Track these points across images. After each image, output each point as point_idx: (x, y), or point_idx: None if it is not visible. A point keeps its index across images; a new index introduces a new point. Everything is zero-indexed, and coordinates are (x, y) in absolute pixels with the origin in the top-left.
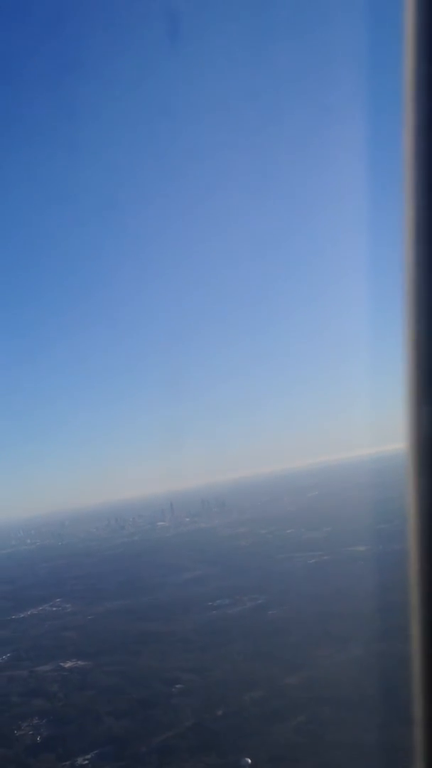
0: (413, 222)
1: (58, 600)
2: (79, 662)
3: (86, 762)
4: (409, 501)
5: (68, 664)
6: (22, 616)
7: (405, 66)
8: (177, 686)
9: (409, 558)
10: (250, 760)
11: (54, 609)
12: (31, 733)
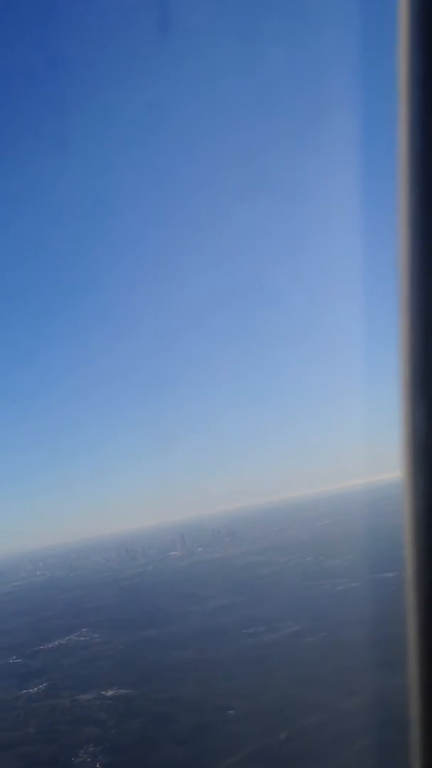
0: (407, 218)
1: (84, 630)
2: (120, 690)
3: None
4: (405, 500)
5: (110, 693)
6: (50, 646)
7: (399, 58)
8: (230, 712)
9: (404, 559)
10: None
11: (82, 639)
12: (89, 760)
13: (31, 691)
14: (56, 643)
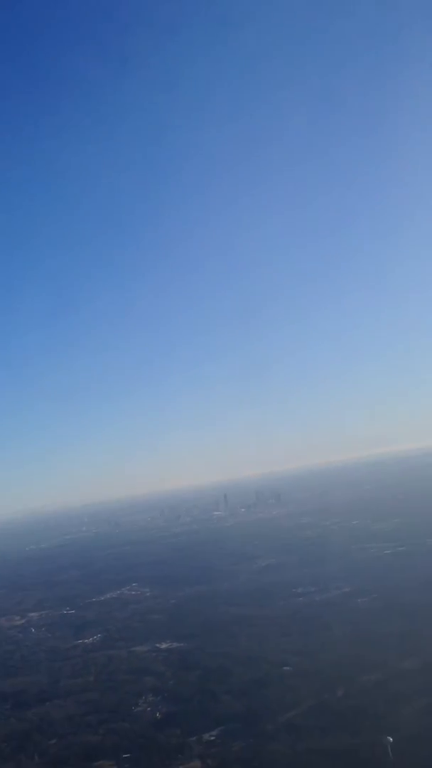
0: None
1: (134, 584)
2: (174, 644)
3: (213, 737)
4: None
5: (164, 645)
6: (102, 599)
7: None
8: (286, 668)
9: None
10: (391, 739)
11: (133, 593)
12: (149, 709)
13: (87, 641)
14: (108, 596)
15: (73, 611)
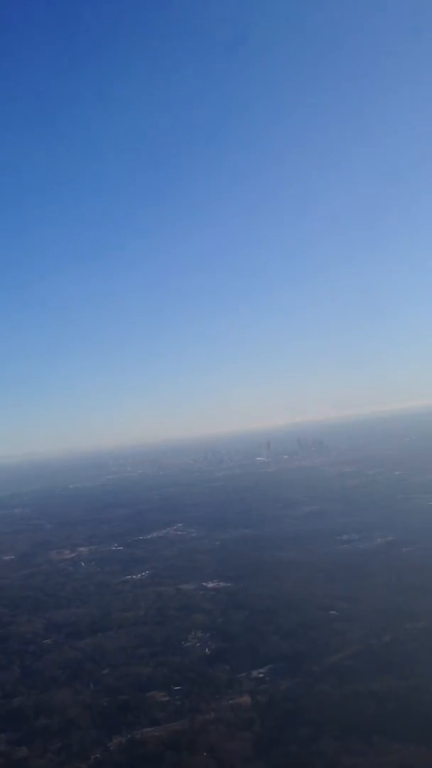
0: None
1: (179, 525)
2: (221, 583)
3: (261, 675)
4: None
5: (211, 585)
6: (149, 537)
7: None
8: (332, 612)
9: None
10: None
11: (178, 533)
12: (198, 645)
13: (135, 577)
14: (154, 534)
15: (121, 548)
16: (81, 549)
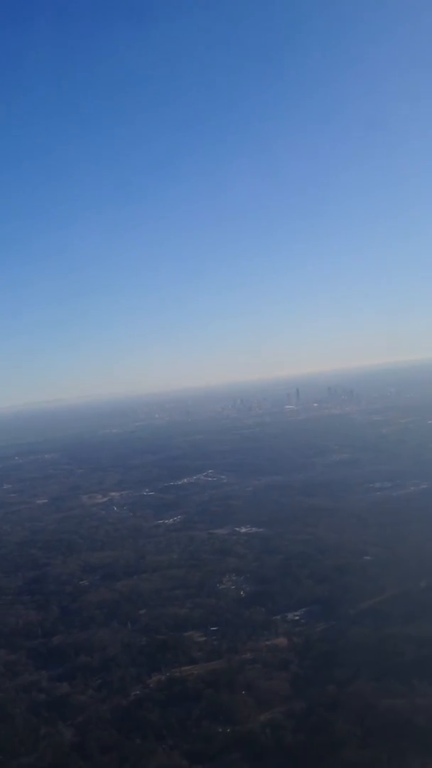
0: None
1: (210, 471)
2: (254, 529)
3: (297, 617)
4: None
5: (243, 530)
6: (179, 483)
7: None
8: (366, 558)
9: None
10: None
11: (209, 479)
12: (233, 587)
13: (167, 521)
14: (185, 480)
15: (152, 493)
16: (113, 494)
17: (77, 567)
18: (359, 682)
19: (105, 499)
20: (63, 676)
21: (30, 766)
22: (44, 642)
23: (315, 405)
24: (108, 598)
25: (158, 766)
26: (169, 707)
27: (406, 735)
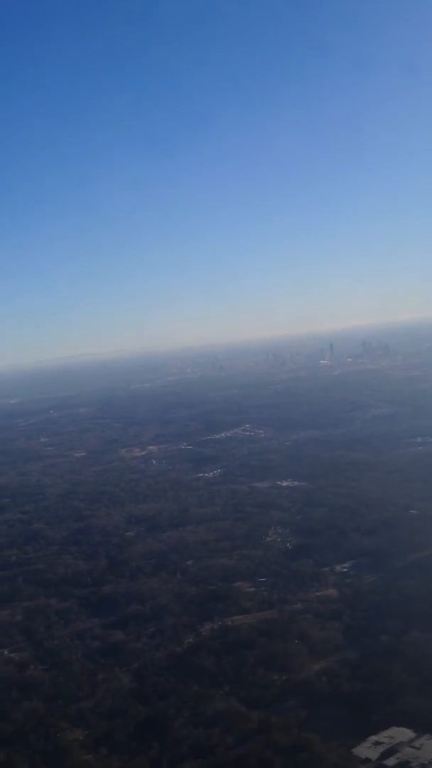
0: None
1: (247, 426)
2: (295, 482)
3: (345, 569)
4: None
5: (285, 483)
6: (217, 437)
7: None
8: (412, 511)
9: None
10: None
11: (247, 434)
12: (279, 540)
13: (207, 475)
14: (222, 435)
15: (190, 447)
16: (150, 447)
17: (121, 518)
18: (413, 633)
19: (143, 453)
20: (116, 624)
21: (90, 711)
22: (95, 591)
23: (349, 360)
24: (155, 548)
25: (217, 711)
26: (224, 655)
27: None
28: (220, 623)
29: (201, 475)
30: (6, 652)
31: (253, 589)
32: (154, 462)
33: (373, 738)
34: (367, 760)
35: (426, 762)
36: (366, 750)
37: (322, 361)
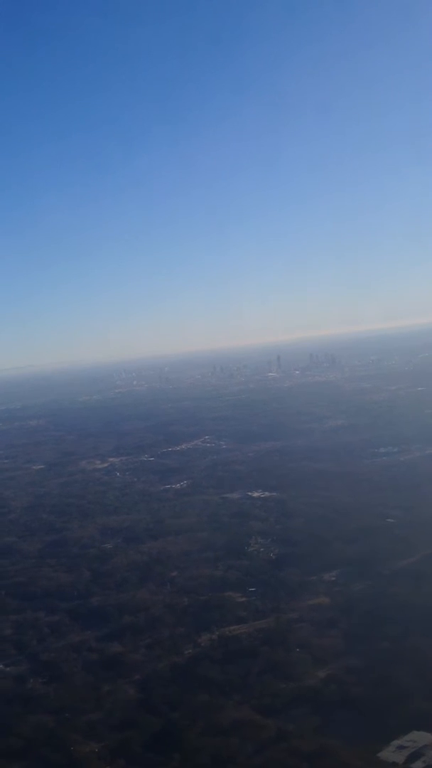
0: None
1: (207, 437)
2: (266, 493)
3: (333, 578)
4: None
5: (256, 494)
6: (178, 449)
7: None
8: (389, 520)
9: None
10: None
11: (208, 445)
12: (262, 550)
13: (175, 486)
14: (183, 446)
15: (152, 458)
16: (111, 459)
17: (96, 530)
18: (413, 638)
19: (105, 465)
20: (110, 636)
21: (100, 723)
22: (82, 603)
23: (297, 372)
24: (137, 560)
25: (231, 720)
26: (227, 664)
27: None
28: (218, 633)
29: (169, 486)
30: (1, 666)
31: (244, 599)
32: (118, 474)
33: (396, 742)
34: (395, 765)
35: None
36: (391, 754)
37: (270, 374)
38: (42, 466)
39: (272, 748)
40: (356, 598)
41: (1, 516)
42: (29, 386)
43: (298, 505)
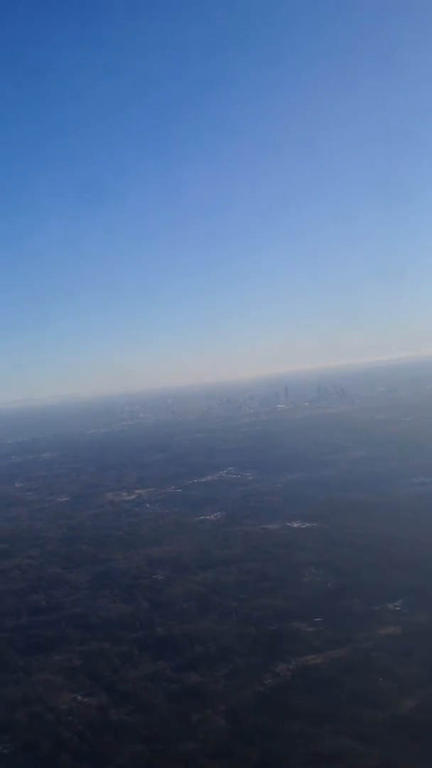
0: None
1: (230, 468)
2: (306, 523)
3: (398, 608)
4: None
5: (296, 525)
6: (204, 480)
7: None
8: None
9: None
10: None
11: (233, 476)
12: (318, 580)
13: (210, 517)
14: (209, 478)
15: (179, 490)
16: (138, 491)
17: (142, 561)
18: None
19: (133, 497)
20: (185, 666)
21: (197, 752)
22: (148, 633)
23: (306, 404)
24: (193, 590)
25: (331, 749)
26: (312, 694)
27: None
28: (295, 663)
29: (204, 517)
30: (79, 697)
31: (312, 629)
32: (148, 505)
33: None
34: None
35: None
36: None
37: (279, 405)
38: (67, 499)
39: None
40: (428, 628)
41: (38, 547)
42: (31, 420)
43: (343, 535)
